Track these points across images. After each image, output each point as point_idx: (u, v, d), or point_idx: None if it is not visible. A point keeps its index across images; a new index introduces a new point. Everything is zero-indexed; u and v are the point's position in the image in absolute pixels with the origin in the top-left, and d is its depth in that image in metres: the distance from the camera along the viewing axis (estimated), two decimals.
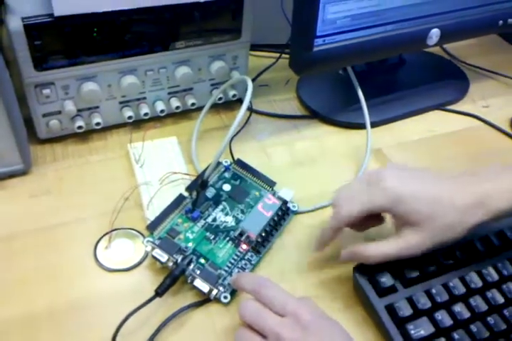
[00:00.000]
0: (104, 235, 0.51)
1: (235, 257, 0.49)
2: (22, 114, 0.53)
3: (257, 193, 0.54)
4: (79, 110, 0.59)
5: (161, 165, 0.57)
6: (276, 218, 0.52)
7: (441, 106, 0.72)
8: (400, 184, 0.44)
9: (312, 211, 0.56)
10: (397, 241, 0.44)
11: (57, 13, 0.51)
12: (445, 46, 0.81)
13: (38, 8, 0.52)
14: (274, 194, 0.55)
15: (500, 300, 0.44)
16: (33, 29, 0.51)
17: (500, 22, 0.68)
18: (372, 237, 0.50)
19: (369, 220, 0.47)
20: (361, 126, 0.65)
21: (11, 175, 0.57)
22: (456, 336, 0.42)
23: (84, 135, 0.62)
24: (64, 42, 0.53)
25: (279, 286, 0.42)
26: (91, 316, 0.45)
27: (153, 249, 0.47)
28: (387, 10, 0.59)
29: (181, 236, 0.49)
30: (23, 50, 0.52)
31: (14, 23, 0.50)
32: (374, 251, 0.44)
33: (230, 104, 0.68)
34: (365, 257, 0.45)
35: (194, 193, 0.52)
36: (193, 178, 0.54)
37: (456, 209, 0.42)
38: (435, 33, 0.64)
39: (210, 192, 0.53)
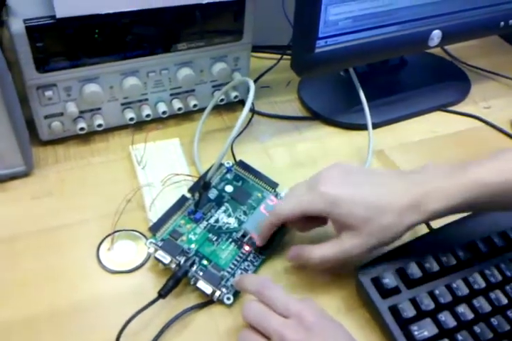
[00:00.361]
0: (107, 237, 0.51)
1: (238, 258, 0.49)
2: (24, 115, 0.53)
3: (259, 194, 0.54)
4: (81, 112, 0.59)
5: (163, 166, 0.57)
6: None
7: (442, 107, 0.72)
8: (337, 188, 0.45)
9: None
10: (335, 244, 0.45)
11: (59, 14, 0.51)
12: (446, 47, 0.81)
13: (40, 10, 0.52)
14: (276, 195, 0.55)
15: (504, 301, 0.44)
16: (35, 31, 0.51)
17: (502, 23, 0.69)
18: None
19: (311, 221, 0.48)
20: (363, 127, 0.65)
21: (13, 177, 0.57)
22: (459, 337, 0.42)
23: (86, 137, 0.62)
24: (66, 44, 0.53)
25: (281, 287, 0.42)
26: (93, 318, 0.45)
27: (155, 250, 0.47)
28: (389, 11, 0.60)
29: (184, 237, 0.49)
30: (25, 52, 0.52)
31: (16, 25, 0.50)
32: (314, 254, 0.45)
33: (232, 106, 0.68)
34: (306, 259, 0.46)
35: (196, 194, 0.52)
36: (195, 180, 0.54)
37: (392, 211, 0.43)
38: (437, 35, 0.64)
39: (212, 194, 0.53)
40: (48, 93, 0.56)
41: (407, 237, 0.50)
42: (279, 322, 0.39)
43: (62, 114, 0.58)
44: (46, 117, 0.58)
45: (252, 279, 0.44)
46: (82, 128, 0.59)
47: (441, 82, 0.74)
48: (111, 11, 0.53)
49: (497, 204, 0.44)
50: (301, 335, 0.38)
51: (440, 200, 0.43)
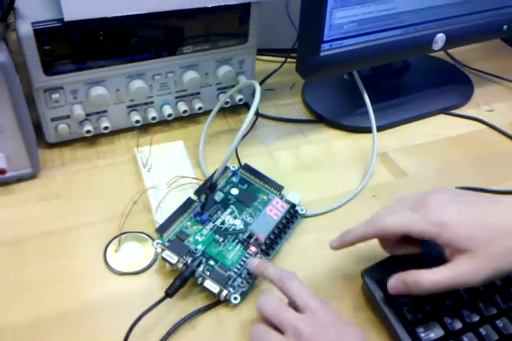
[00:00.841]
0: (114, 239, 0.51)
1: (244, 259, 0.49)
2: (31, 118, 0.54)
3: (264, 197, 0.55)
4: (87, 114, 0.59)
5: (168, 169, 0.57)
6: (284, 221, 0.53)
7: (445, 111, 0.72)
8: (445, 209, 0.42)
9: (320, 214, 0.56)
10: (451, 268, 0.40)
11: (67, 18, 0.51)
12: (449, 51, 0.81)
13: (48, 13, 0.52)
14: (281, 198, 0.55)
15: (510, 303, 0.44)
16: (42, 34, 0.52)
17: (505, 27, 0.69)
18: (376, 241, 0.50)
19: (405, 244, 0.45)
20: (367, 130, 0.65)
21: (20, 179, 0.57)
22: (465, 339, 0.42)
23: (92, 139, 0.62)
24: (73, 47, 0.54)
25: (303, 283, 0.42)
26: (101, 319, 0.45)
27: (163, 250, 0.47)
28: (393, 15, 0.60)
29: (190, 238, 0.49)
30: (33, 55, 0.53)
31: (24, 28, 0.51)
32: (424, 279, 0.40)
33: (237, 108, 0.68)
34: (412, 285, 0.41)
35: (203, 197, 0.52)
36: (201, 182, 0.55)
37: (508, 235, 0.40)
38: (440, 38, 0.65)
39: (218, 196, 0.53)
40: (55, 96, 0.56)
41: None
42: (294, 316, 0.40)
43: (68, 117, 0.59)
44: (53, 120, 0.58)
45: (274, 266, 0.45)
46: (88, 131, 0.60)
47: (445, 85, 0.75)
48: (118, 15, 0.53)
49: None
50: (316, 330, 0.38)
51: None
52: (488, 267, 0.39)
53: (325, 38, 0.57)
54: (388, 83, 0.73)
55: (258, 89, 0.54)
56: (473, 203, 0.43)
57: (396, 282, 0.42)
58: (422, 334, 0.42)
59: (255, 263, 0.46)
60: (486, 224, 0.40)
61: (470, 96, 0.75)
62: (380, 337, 0.45)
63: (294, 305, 0.41)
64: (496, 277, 0.40)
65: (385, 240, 0.46)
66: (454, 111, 0.72)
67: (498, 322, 0.43)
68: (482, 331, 0.43)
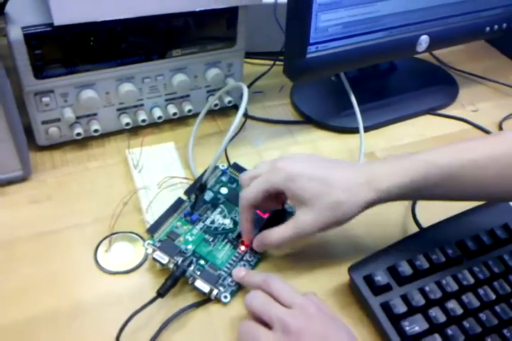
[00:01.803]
0: (104, 239, 0.52)
1: (234, 258, 0.50)
2: (22, 121, 0.54)
3: None
4: (77, 117, 0.60)
5: (158, 170, 0.58)
6: (273, 220, 0.53)
7: (431, 111, 0.73)
8: (293, 164, 0.47)
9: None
10: (292, 223, 0.46)
11: (56, 22, 0.52)
12: (435, 52, 0.83)
13: (38, 18, 0.53)
14: None
15: (492, 296, 0.46)
16: (33, 38, 0.52)
17: (487, 28, 0.71)
18: (361, 237, 0.51)
19: (270, 202, 0.50)
20: (354, 131, 0.66)
21: (11, 182, 0.58)
22: (449, 332, 0.43)
23: (82, 142, 0.63)
24: (63, 51, 0.55)
25: (286, 282, 0.44)
26: (93, 318, 0.46)
27: (154, 251, 0.48)
28: (377, 18, 0.61)
29: (181, 238, 0.50)
30: (23, 59, 0.53)
31: (14, 33, 0.51)
32: (274, 237, 0.47)
33: (226, 110, 0.69)
34: (269, 243, 0.48)
35: (192, 197, 0.53)
36: (191, 182, 0.56)
37: (343, 188, 0.44)
38: (424, 40, 0.66)
39: (208, 196, 0.54)
40: (46, 99, 0.57)
41: (397, 236, 0.52)
42: (282, 311, 0.41)
43: (59, 120, 0.59)
44: (43, 123, 0.59)
45: (256, 273, 0.47)
46: (78, 134, 0.61)
47: (430, 86, 0.76)
48: (107, 19, 0.54)
49: (446, 188, 0.45)
50: (303, 323, 0.39)
51: (391, 178, 0.44)
52: (320, 218, 0.45)
53: (311, 41, 0.58)
54: (375, 84, 0.75)
55: (246, 91, 0.55)
56: (318, 162, 0.48)
57: (257, 242, 0.49)
58: (407, 328, 0.43)
59: (241, 274, 0.48)
60: (324, 178, 0.45)
61: (455, 97, 0.76)
62: (367, 331, 0.46)
63: (281, 304, 0.42)
64: (330, 226, 0.45)
65: (262, 206, 0.50)
66: (439, 112, 0.74)
67: (481, 315, 0.44)
68: (466, 324, 0.44)
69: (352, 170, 0.46)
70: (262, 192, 0.47)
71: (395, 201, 0.46)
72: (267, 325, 0.41)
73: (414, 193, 0.45)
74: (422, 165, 0.44)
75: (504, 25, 0.72)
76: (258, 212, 0.53)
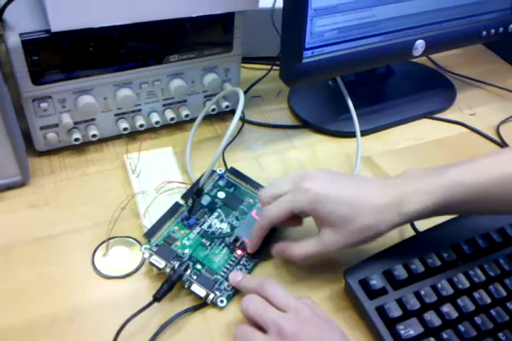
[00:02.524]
0: (102, 243, 0.52)
1: (231, 262, 0.50)
2: (20, 126, 0.55)
3: (250, 200, 0.56)
4: (75, 123, 0.60)
5: (156, 174, 0.58)
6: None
7: (428, 115, 0.74)
8: (320, 186, 0.46)
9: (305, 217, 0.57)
10: (315, 241, 0.46)
11: (54, 28, 0.52)
12: (432, 56, 0.83)
13: (36, 24, 0.53)
14: None
15: (487, 300, 0.46)
16: (30, 45, 0.53)
17: (484, 33, 0.71)
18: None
19: (288, 221, 0.49)
20: (351, 135, 0.67)
21: (10, 187, 0.58)
22: (444, 335, 0.43)
23: (81, 147, 0.63)
24: (61, 56, 0.55)
25: (281, 286, 0.44)
26: (90, 322, 0.46)
27: (150, 255, 0.48)
28: (373, 23, 0.62)
29: (178, 243, 0.50)
30: (21, 66, 0.54)
31: (12, 39, 0.52)
32: (296, 251, 0.47)
33: (223, 115, 0.70)
34: (288, 255, 0.48)
35: (190, 201, 0.53)
36: (188, 187, 0.56)
37: (371, 212, 0.45)
38: (420, 44, 0.67)
39: (205, 200, 0.55)
40: (44, 105, 0.57)
41: (393, 239, 0.52)
42: (277, 315, 0.41)
43: (57, 125, 0.60)
44: (42, 128, 0.59)
45: (253, 278, 0.47)
46: (76, 139, 0.61)
47: (427, 90, 0.77)
48: (104, 25, 0.54)
49: (473, 205, 0.45)
50: (298, 327, 0.40)
51: (417, 201, 0.44)
52: (346, 241, 0.45)
53: (306, 46, 0.59)
54: (372, 88, 0.75)
55: (242, 95, 0.55)
56: (345, 182, 0.48)
57: (277, 250, 0.49)
58: (402, 332, 0.43)
59: (237, 278, 0.48)
60: (352, 202, 0.45)
61: (452, 101, 0.76)
62: (363, 334, 0.46)
63: (276, 308, 0.42)
64: (356, 245, 0.46)
65: (282, 223, 0.49)
66: (436, 116, 0.74)
67: (476, 318, 0.44)
68: (461, 327, 0.44)
69: (380, 191, 0.46)
70: (285, 213, 0.47)
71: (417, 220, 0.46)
72: (262, 329, 0.42)
73: (438, 213, 0.46)
74: (449, 186, 0.44)
75: (501, 29, 0.72)
76: (255, 216, 0.54)
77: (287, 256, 0.48)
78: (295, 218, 0.49)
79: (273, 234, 0.52)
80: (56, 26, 0.52)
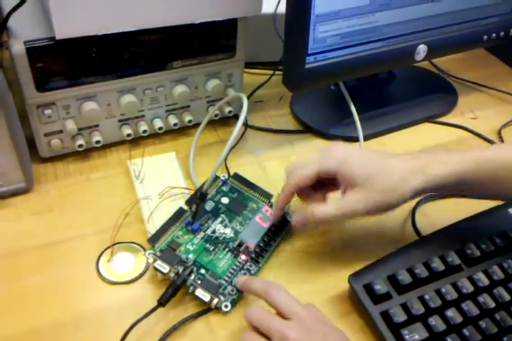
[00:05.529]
0: (106, 249, 0.52)
1: (235, 267, 0.50)
2: (24, 133, 0.55)
3: (254, 205, 0.56)
4: (79, 129, 0.61)
5: (160, 180, 0.59)
6: (273, 229, 0.54)
7: (430, 119, 0.74)
8: (349, 150, 0.49)
9: None
10: (338, 200, 0.47)
11: (58, 36, 0.53)
12: (434, 60, 0.83)
13: (40, 32, 0.54)
14: (271, 206, 0.56)
15: (492, 304, 0.46)
16: (35, 52, 0.53)
17: (485, 37, 0.71)
18: (361, 246, 0.51)
19: (313, 191, 0.50)
20: (354, 139, 0.67)
21: (14, 194, 0.58)
22: (449, 340, 0.43)
23: (85, 153, 0.64)
24: (65, 63, 0.55)
25: (288, 292, 0.44)
26: (95, 328, 0.46)
27: (155, 260, 0.48)
28: (375, 28, 0.62)
29: (182, 248, 0.50)
30: (26, 73, 0.54)
31: (17, 47, 0.52)
32: (318, 210, 0.47)
33: (226, 120, 0.70)
34: (310, 217, 0.47)
35: (194, 206, 0.53)
36: (192, 192, 0.56)
37: (397, 173, 0.45)
38: (422, 49, 0.67)
39: (209, 205, 0.55)
40: (48, 111, 0.58)
41: (397, 244, 0.52)
42: (281, 323, 0.41)
43: (61, 132, 0.60)
44: (46, 135, 0.60)
45: (259, 280, 0.46)
46: (80, 145, 0.61)
47: (429, 94, 0.77)
48: (108, 32, 0.55)
49: (495, 181, 0.46)
50: (303, 335, 0.39)
51: (443, 166, 0.45)
52: (372, 198, 0.45)
53: (309, 51, 0.59)
54: (374, 93, 0.75)
55: (245, 101, 0.55)
56: (372, 151, 0.49)
57: (298, 217, 0.48)
58: (407, 336, 0.43)
59: (243, 280, 0.48)
60: (380, 162, 0.47)
61: (454, 105, 0.77)
62: (367, 340, 0.46)
63: (281, 315, 0.42)
64: (380, 209, 0.46)
65: (304, 192, 0.50)
66: (438, 120, 0.74)
67: (481, 323, 0.44)
68: (465, 332, 0.44)
69: (406, 159, 0.47)
70: (311, 175, 0.47)
71: (440, 193, 0.48)
72: (267, 336, 0.41)
73: (458, 185, 0.46)
74: (473, 158, 0.46)
75: (502, 33, 0.72)
76: (259, 221, 0.54)
77: (309, 218, 0.47)
78: (318, 193, 0.49)
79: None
80: (61, 34, 0.53)
